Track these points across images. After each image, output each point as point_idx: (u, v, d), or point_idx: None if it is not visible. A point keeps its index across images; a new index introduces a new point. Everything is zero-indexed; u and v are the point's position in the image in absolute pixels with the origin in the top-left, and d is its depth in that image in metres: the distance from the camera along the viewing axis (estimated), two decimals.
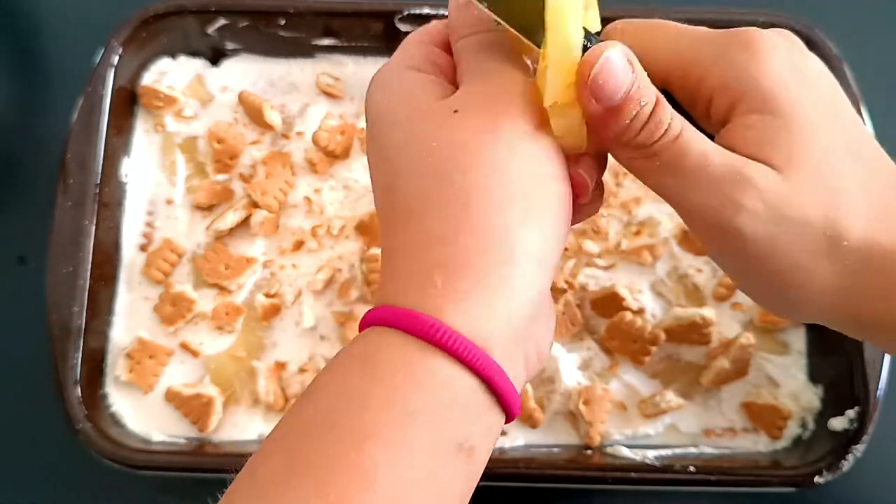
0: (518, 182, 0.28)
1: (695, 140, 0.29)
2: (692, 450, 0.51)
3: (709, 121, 0.31)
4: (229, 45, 0.58)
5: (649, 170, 0.30)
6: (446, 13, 0.55)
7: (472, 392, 0.27)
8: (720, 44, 0.30)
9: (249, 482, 0.26)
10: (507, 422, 0.30)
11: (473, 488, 0.29)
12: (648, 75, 0.30)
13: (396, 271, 0.29)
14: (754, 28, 0.30)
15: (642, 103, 0.28)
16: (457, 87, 0.32)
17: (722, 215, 0.28)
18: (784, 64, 0.29)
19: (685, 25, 0.32)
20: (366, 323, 0.29)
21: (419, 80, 0.32)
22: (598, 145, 0.31)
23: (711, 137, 0.30)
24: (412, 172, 0.29)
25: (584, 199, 0.31)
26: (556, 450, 0.51)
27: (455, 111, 0.29)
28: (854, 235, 0.28)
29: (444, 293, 0.27)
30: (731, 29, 0.30)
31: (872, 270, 0.29)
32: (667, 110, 0.28)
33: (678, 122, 0.29)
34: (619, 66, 0.28)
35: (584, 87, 0.28)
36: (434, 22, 0.35)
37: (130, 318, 0.54)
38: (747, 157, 0.29)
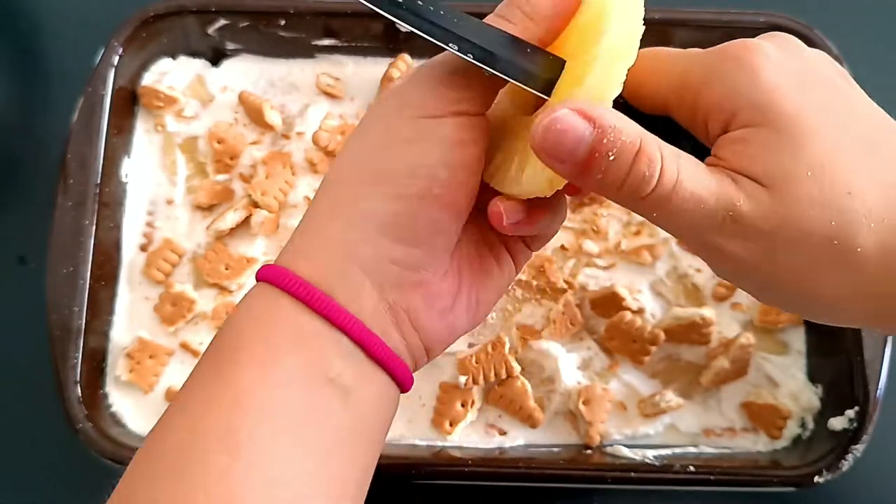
0: (376, 160, 0.31)
1: (693, 190, 0.27)
2: (692, 449, 0.51)
3: (707, 139, 0.30)
4: (230, 46, 0.58)
5: (651, 218, 0.29)
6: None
7: (325, 332, 0.30)
8: (710, 61, 0.29)
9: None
10: (402, 388, 0.33)
11: (358, 443, 0.31)
12: (649, 103, 0.30)
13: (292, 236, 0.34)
14: (744, 39, 0.29)
15: (611, 156, 0.27)
16: None
17: (720, 246, 0.28)
18: (778, 71, 0.28)
19: (681, 50, 0.31)
20: (258, 277, 0.33)
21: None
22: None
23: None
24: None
25: (504, 230, 0.32)
26: (555, 449, 0.51)
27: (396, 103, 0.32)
28: (869, 241, 0.27)
29: (297, 250, 0.32)
30: (722, 44, 0.30)
31: (883, 276, 0.27)
32: (653, 162, 0.27)
33: (669, 172, 0.27)
34: (568, 122, 0.27)
35: (540, 151, 0.27)
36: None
37: (131, 317, 0.54)
38: (740, 170, 0.28)
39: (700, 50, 0.30)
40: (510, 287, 0.54)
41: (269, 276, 0.31)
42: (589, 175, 0.27)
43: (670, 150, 0.28)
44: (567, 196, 0.35)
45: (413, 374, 0.34)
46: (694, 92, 0.29)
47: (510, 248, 0.36)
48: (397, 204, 0.31)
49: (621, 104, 0.31)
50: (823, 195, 0.27)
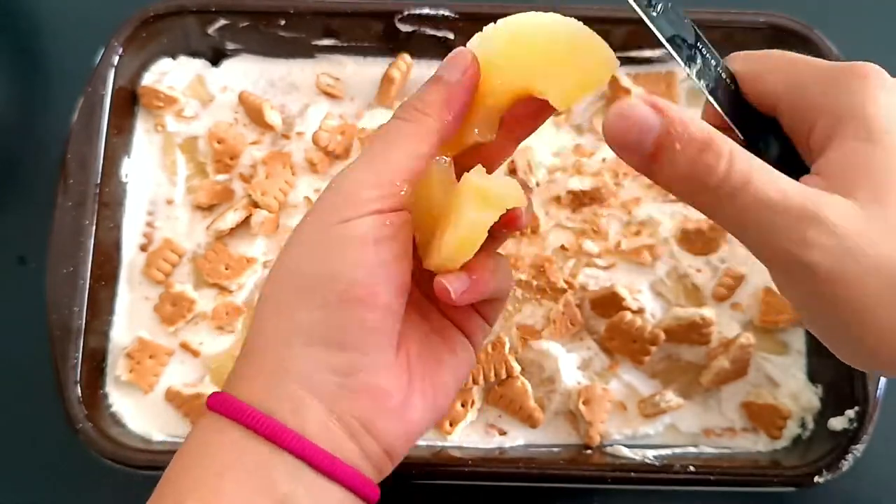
0: (303, 268, 0.32)
1: (767, 187, 0.27)
2: (692, 449, 0.51)
3: (808, 150, 0.30)
4: (230, 46, 0.58)
5: (719, 214, 0.28)
6: (446, 13, 0.55)
7: (271, 454, 0.31)
8: (833, 71, 0.29)
9: None
10: (368, 500, 0.33)
11: None
12: (761, 100, 0.30)
13: (238, 363, 0.35)
14: (869, 63, 0.30)
15: (678, 145, 0.27)
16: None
17: (792, 252, 0.27)
18: (891, 98, 0.28)
19: (801, 55, 0.31)
20: (207, 407, 0.34)
21: None
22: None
23: (804, 171, 0.29)
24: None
25: (456, 302, 0.33)
26: (556, 449, 0.51)
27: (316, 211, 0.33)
28: None
29: (236, 374, 0.33)
30: (847, 62, 0.30)
31: None
32: (719, 154, 0.27)
33: (741, 168, 0.27)
34: (641, 113, 0.27)
35: (609, 139, 0.28)
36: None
37: (131, 317, 0.54)
38: (835, 186, 0.27)
39: (821, 60, 0.31)
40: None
41: (215, 404, 0.32)
42: (656, 163, 0.28)
43: (742, 150, 0.27)
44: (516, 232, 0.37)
45: (379, 484, 0.34)
46: (811, 95, 0.29)
47: (465, 328, 0.37)
48: (322, 311, 0.31)
49: (733, 96, 0.31)
50: None
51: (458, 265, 0.33)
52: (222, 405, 0.32)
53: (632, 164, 0.29)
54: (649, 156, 0.28)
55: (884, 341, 0.28)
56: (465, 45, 0.35)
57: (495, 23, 0.35)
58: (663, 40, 0.30)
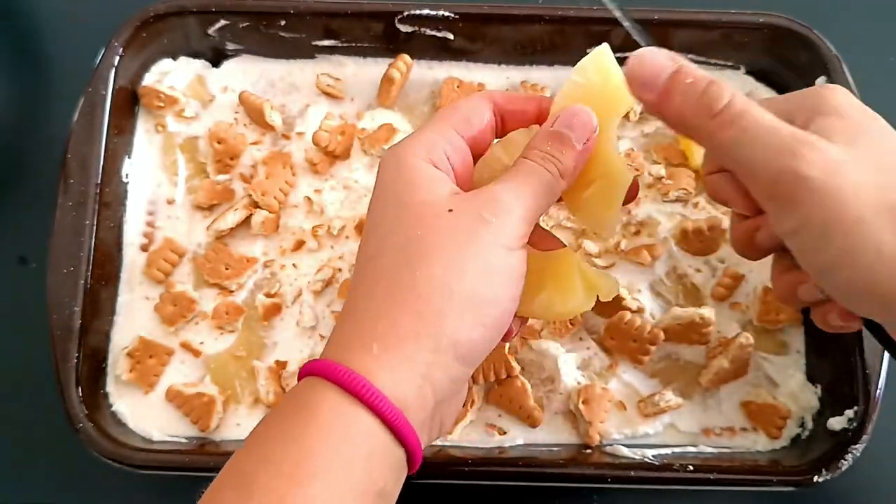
0: (468, 287, 0.33)
1: (764, 115, 0.33)
2: (691, 449, 0.51)
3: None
4: (230, 46, 0.58)
5: (723, 143, 0.34)
6: (446, 13, 0.56)
7: (389, 447, 0.33)
8: (803, 91, 0.37)
9: None
10: (408, 474, 0.35)
11: None
12: None
13: (345, 332, 0.35)
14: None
15: (688, 79, 0.34)
16: (463, 184, 0.37)
17: (791, 166, 0.32)
18: (853, 98, 0.36)
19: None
20: (307, 371, 0.34)
21: (430, 176, 0.36)
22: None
23: None
24: (394, 253, 0.34)
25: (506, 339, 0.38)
26: (555, 449, 0.51)
27: (450, 210, 0.34)
28: None
29: (378, 361, 0.33)
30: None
31: None
32: (722, 89, 0.34)
33: (742, 99, 0.34)
34: (656, 57, 0.35)
35: (631, 79, 0.35)
36: (472, 101, 0.39)
37: (131, 317, 0.54)
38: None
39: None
40: None
41: (348, 382, 0.32)
42: (670, 97, 0.34)
43: (739, 92, 0.34)
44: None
45: None
46: (793, 105, 0.36)
47: None
48: (478, 332, 0.34)
49: None
50: (877, 162, 0.33)
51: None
52: (356, 386, 0.32)
53: (648, 101, 0.35)
54: (663, 91, 0.34)
55: (883, 255, 0.32)
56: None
57: None
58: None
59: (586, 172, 0.38)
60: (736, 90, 0.34)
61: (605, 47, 0.38)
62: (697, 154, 0.45)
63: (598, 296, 0.39)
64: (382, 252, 0.35)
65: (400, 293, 0.33)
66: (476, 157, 0.39)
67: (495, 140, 0.40)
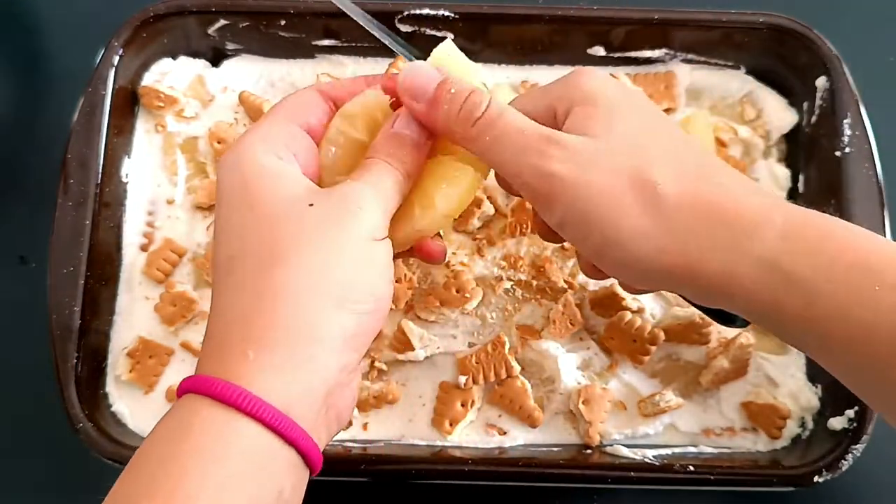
0: (341, 277, 0.33)
1: (516, 118, 0.36)
2: (691, 449, 0.51)
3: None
4: (230, 46, 0.58)
5: (483, 148, 0.36)
6: (446, 13, 0.56)
7: (280, 452, 0.32)
8: (560, 79, 0.38)
9: None
10: (312, 475, 0.34)
11: None
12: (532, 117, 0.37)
13: (216, 342, 0.33)
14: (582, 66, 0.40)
15: (452, 90, 0.36)
16: (310, 171, 0.37)
17: (539, 166, 0.34)
18: (606, 79, 0.37)
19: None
20: (183, 390, 0.33)
21: (278, 170, 0.35)
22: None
23: None
24: (257, 251, 0.34)
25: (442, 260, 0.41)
26: (555, 449, 0.51)
27: (311, 204, 0.34)
28: (668, 187, 0.34)
29: (255, 365, 0.32)
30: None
31: (696, 216, 0.33)
32: (482, 96, 0.36)
33: (497, 106, 0.36)
34: (424, 69, 0.37)
35: (403, 90, 0.37)
36: (301, 93, 0.39)
37: (131, 317, 0.54)
38: (571, 132, 0.35)
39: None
40: (511, 287, 0.54)
41: (224, 394, 0.31)
42: (436, 107, 0.36)
43: (497, 98, 0.36)
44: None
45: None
46: (550, 99, 0.37)
47: None
48: (356, 319, 0.34)
49: None
50: (631, 149, 0.34)
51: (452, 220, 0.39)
52: (233, 398, 0.31)
53: (418, 111, 0.37)
54: (431, 101, 0.36)
55: (637, 236, 0.33)
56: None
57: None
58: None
59: (434, 165, 0.39)
60: (495, 98, 0.36)
61: (448, 43, 0.40)
62: None
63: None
64: (243, 251, 0.34)
65: (270, 290, 0.33)
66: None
67: None
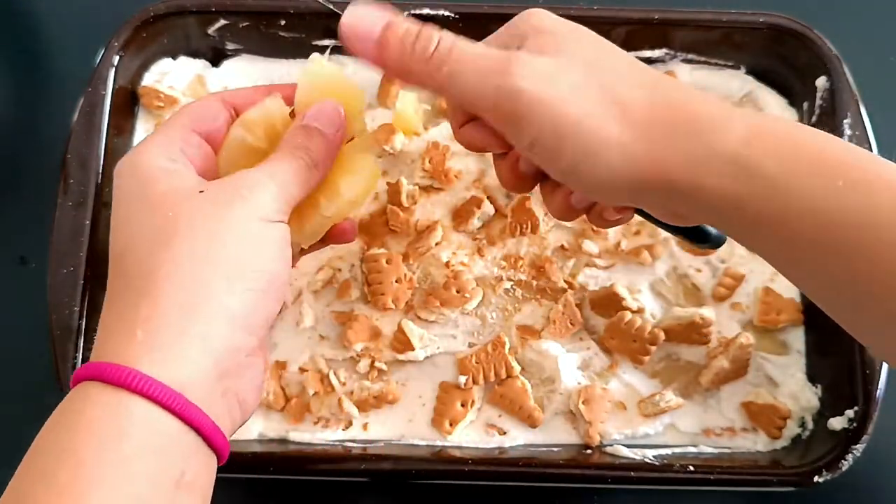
0: (230, 256, 0.33)
1: (471, 45, 0.35)
2: (691, 449, 0.51)
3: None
4: (230, 46, 0.58)
5: (443, 81, 0.35)
6: (446, 13, 0.55)
7: (177, 433, 0.31)
8: (508, 23, 0.37)
9: None
10: (220, 462, 0.34)
11: None
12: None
13: (107, 330, 0.33)
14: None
15: (400, 30, 0.36)
16: (208, 177, 0.37)
17: (503, 85, 0.34)
18: (554, 16, 0.37)
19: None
20: (75, 380, 0.32)
21: (171, 170, 0.36)
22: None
23: None
24: (147, 239, 0.34)
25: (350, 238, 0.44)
26: (555, 449, 0.51)
27: (201, 191, 0.35)
28: (633, 96, 0.34)
29: (144, 346, 0.31)
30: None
31: (662, 121, 0.34)
32: (432, 31, 0.36)
33: (450, 37, 0.35)
34: (368, 11, 0.36)
35: (347, 36, 0.36)
36: (202, 101, 0.40)
37: None
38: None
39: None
40: (511, 287, 0.54)
41: (112, 376, 0.31)
42: (386, 48, 0.36)
43: (448, 32, 0.36)
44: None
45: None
46: (504, 38, 0.37)
47: None
48: (249, 297, 0.34)
49: None
50: (594, 67, 0.35)
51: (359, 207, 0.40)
52: (124, 379, 0.31)
53: (365, 53, 0.36)
54: (379, 43, 0.36)
55: (612, 145, 0.34)
56: None
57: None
58: None
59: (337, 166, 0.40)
60: (445, 31, 0.36)
61: (316, 57, 0.41)
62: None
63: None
64: (134, 243, 0.34)
65: (159, 272, 0.32)
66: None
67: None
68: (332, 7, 0.44)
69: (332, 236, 0.42)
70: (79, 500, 0.29)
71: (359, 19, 0.36)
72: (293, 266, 0.38)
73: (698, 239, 0.43)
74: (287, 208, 0.36)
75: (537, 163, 0.37)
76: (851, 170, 0.32)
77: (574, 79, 0.34)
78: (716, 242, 0.43)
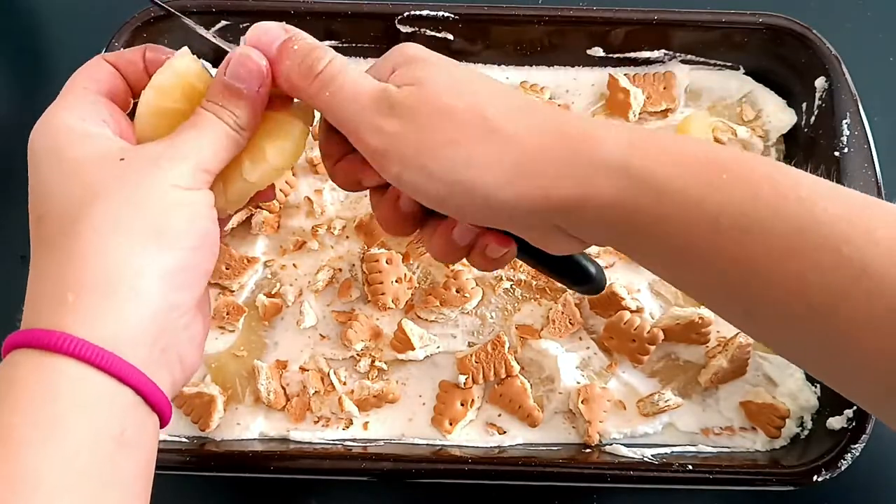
0: (150, 220, 0.33)
1: (353, 74, 0.37)
2: (690, 448, 0.51)
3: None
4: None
5: (323, 103, 0.36)
6: (446, 14, 0.56)
7: (111, 391, 0.31)
8: (386, 54, 0.39)
9: None
10: (163, 423, 0.34)
11: (152, 471, 0.34)
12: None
13: (35, 295, 0.34)
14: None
15: (295, 46, 0.37)
16: (125, 137, 0.37)
17: (373, 125, 0.35)
18: (424, 48, 0.38)
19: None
20: (7, 348, 0.32)
21: (88, 131, 0.36)
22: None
23: None
24: (67, 203, 0.34)
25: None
26: (555, 448, 0.51)
27: (122, 159, 0.34)
28: (505, 119, 0.34)
29: (75, 308, 0.32)
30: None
31: (541, 143, 0.34)
32: (324, 53, 0.37)
33: (340, 62, 0.37)
34: (272, 27, 0.38)
35: (251, 45, 0.37)
36: (90, 64, 0.40)
37: None
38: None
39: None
40: (510, 287, 0.54)
41: (41, 340, 0.31)
42: (282, 62, 0.37)
43: (339, 55, 0.37)
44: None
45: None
46: (380, 69, 0.38)
47: None
48: (176, 255, 0.34)
49: None
50: (459, 91, 0.35)
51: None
52: (53, 343, 0.31)
53: (266, 68, 0.37)
54: (275, 57, 0.37)
55: (473, 166, 0.34)
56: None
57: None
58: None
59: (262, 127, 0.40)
60: (338, 55, 0.37)
61: (184, 52, 0.39)
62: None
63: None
64: (52, 208, 0.34)
65: (83, 236, 0.33)
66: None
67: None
68: (170, 8, 0.45)
69: (256, 196, 0.41)
70: (9, 462, 0.29)
71: (262, 34, 0.38)
72: (221, 230, 0.38)
73: (580, 280, 0.43)
74: (209, 177, 0.36)
75: (412, 195, 0.36)
76: (733, 165, 0.32)
77: (442, 104, 0.35)
78: (598, 285, 0.43)
